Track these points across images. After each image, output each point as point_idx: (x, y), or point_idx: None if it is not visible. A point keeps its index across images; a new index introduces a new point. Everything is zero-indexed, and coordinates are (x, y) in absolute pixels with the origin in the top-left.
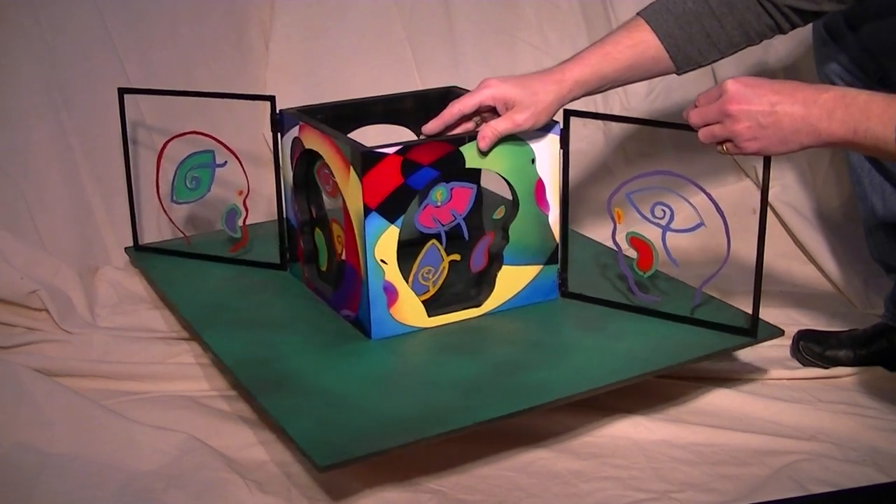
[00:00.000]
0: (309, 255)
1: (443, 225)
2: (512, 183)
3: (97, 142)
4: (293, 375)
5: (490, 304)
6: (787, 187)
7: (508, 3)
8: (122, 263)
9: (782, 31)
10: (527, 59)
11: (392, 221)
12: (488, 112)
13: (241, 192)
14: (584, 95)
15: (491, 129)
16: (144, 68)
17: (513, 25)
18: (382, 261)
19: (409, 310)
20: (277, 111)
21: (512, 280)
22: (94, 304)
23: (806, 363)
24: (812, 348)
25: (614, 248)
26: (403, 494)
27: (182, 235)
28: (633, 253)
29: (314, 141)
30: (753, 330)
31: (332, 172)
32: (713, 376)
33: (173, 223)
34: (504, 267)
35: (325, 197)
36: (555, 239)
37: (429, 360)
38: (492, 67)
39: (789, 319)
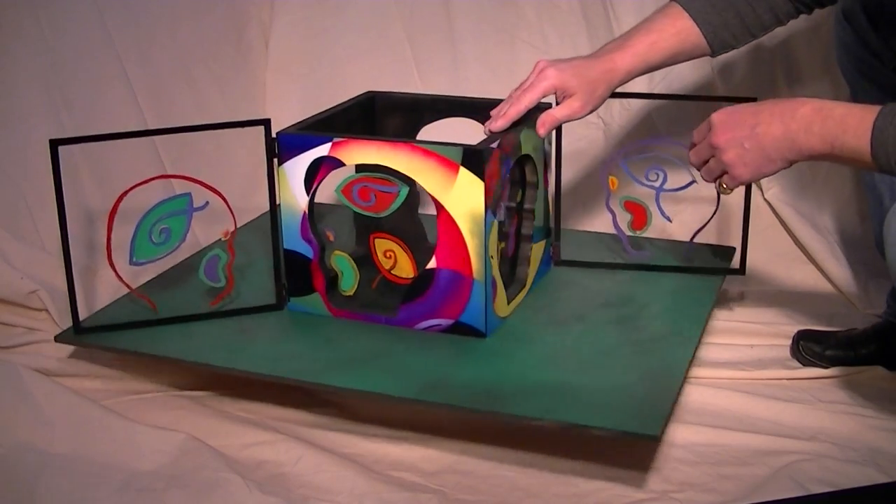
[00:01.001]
0: (331, 282)
1: (495, 214)
2: (537, 164)
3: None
4: (487, 385)
5: (528, 282)
6: (787, 187)
7: (508, 3)
8: (123, 264)
9: (809, 12)
10: (527, 59)
11: (495, 215)
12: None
13: (226, 233)
14: (627, 82)
15: (551, 117)
16: (144, 68)
17: (513, 25)
18: (491, 256)
19: (501, 301)
20: (274, 135)
21: (536, 257)
22: (94, 304)
23: (806, 363)
24: (812, 348)
25: (608, 214)
26: (403, 494)
27: (140, 298)
28: (626, 216)
29: (369, 154)
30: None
31: (387, 184)
32: (713, 375)
33: (130, 288)
34: (532, 245)
35: (361, 213)
36: (550, 211)
37: (572, 337)
38: (492, 67)
39: (789, 319)
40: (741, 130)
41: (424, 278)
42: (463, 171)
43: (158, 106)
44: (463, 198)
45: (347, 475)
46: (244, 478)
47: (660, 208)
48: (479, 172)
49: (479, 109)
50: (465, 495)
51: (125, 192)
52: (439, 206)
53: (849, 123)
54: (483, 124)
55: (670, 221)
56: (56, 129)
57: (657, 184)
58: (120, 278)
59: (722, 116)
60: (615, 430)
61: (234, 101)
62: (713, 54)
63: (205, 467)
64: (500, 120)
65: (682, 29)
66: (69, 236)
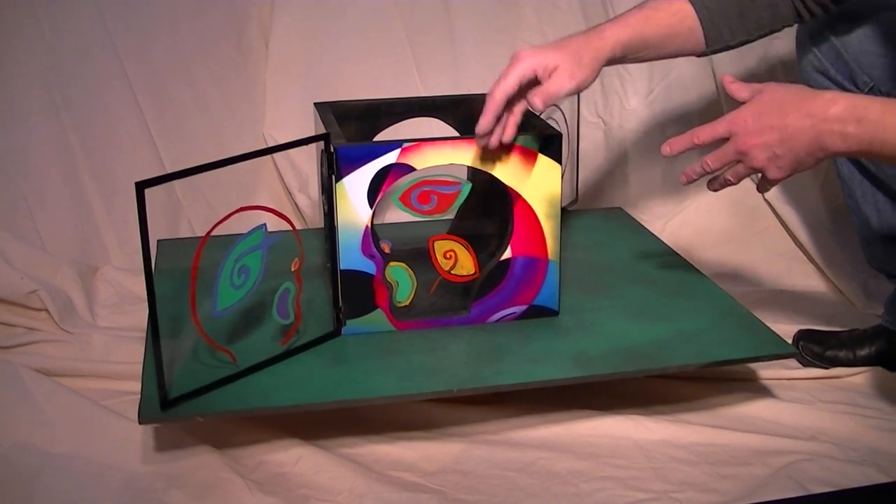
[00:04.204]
0: (390, 296)
1: None
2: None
3: (97, 142)
4: (609, 351)
5: None
6: (787, 187)
7: (508, 3)
8: (123, 263)
9: (801, 19)
10: None
11: None
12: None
13: (296, 263)
14: (623, 58)
15: (544, 90)
16: (144, 68)
17: (513, 25)
18: None
19: None
20: (332, 148)
21: None
22: (94, 304)
23: (806, 363)
24: (812, 348)
25: None
26: (403, 494)
27: (221, 351)
28: None
29: (443, 154)
30: None
31: (448, 183)
32: (713, 376)
33: (218, 347)
34: None
35: (419, 218)
36: None
37: (620, 301)
38: (492, 67)
39: (789, 319)
40: (770, 135)
41: (497, 270)
42: (541, 157)
43: (158, 106)
44: (540, 183)
45: (347, 475)
46: (244, 478)
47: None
48: (556, 156)
49: (437, 107)
50: (465, 495)
51: (208, 233)
52: (515, 196)
53: (888, 122)
54: (443, 121)
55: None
56: (56, 129)
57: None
58: (205, 335)
59: (747, 122)
60: (755, 358)
61: (234, 101)
62: (706, 47)
63: (205, 467)
64: (483, 120)
65: (679, 10)
66: (69, 235)
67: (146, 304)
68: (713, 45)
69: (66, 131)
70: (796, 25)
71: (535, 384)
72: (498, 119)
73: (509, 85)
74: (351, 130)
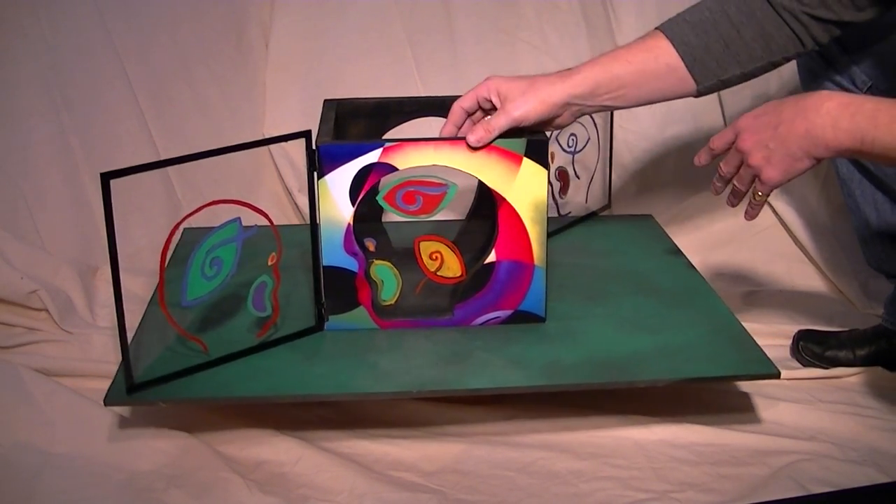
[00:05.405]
0: (374, 294)
1: None
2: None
3: (97, 142)
4: (588, 359)
5: None
6: (786, 187)
7: (508, 3)
8: (123, 263)
9: (804, 47)
10: (527, 59)
11: None
12: (493, 109)
13: (273, 258)
14: (594, 96)
15: (484, 126)
16: (144, 68)
17: (513, 25)
18: None
19: None
20: (315, 146)
21: None
22: (94, 304)
23: (806, 363)
24: (812, 348)
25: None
26: (403, 494)
27: (192, 341)
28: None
29: (426, 155)
30: None
31: (434, 184)
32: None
33: (188, 336)
34: None
35: (405, 218)
36: None
37: (612, 309)
38: (492, 67)
39: (789, 319)
40: (765, 132)
41: (482, 273)
42: (526, 161)
43: (158, 106)
44: (525, 188)
45: (347, 475)
46: (244, 478)
47: (574, 170)
48: (543, 161)
49: (447, 107)
50: (465, 495)
51: (177, 225)
52: (500, 200)
53: (880, 119)
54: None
55: (577, 178)
56: (56, 129)
57: (572, 149)
58: (173, 322)
59: (748, 121)
60: (737, 376)
61: (234, 101)
62: (697, 85)
63: (205, 467)
64: (446, 128)
65: (654, 46)
66: (69, 235)
67: (146, 303)
68: (704, 81)
69: (66, 131)
70: None
71: (498, 390)
72: (459, 129)
73: (465, 101)
74: (360, 128)
